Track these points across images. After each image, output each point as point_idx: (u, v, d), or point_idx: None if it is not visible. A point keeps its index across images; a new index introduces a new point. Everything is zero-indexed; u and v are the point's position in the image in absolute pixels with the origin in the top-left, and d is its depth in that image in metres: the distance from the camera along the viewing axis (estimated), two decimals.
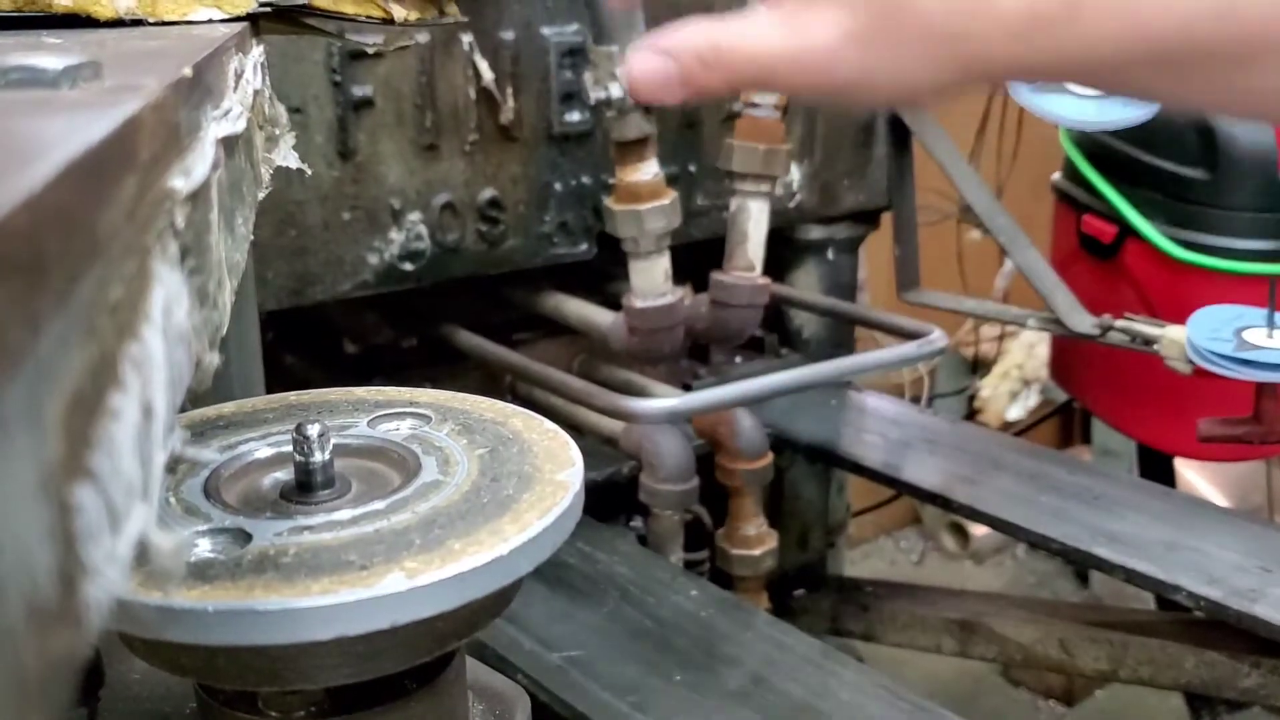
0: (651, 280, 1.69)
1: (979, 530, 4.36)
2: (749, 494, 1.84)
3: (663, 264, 1.69)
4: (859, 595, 2.17)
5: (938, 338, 1.75)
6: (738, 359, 2.20)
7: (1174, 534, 1.70)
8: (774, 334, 2.28)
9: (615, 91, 1.60)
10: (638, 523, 1.94)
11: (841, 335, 2.35)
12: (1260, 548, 1.67)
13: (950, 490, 1.85)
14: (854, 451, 1.98)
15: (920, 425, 2.10)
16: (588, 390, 1.61)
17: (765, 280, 1.82)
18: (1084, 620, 1.97)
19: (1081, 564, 1.76)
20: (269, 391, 1.01)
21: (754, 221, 1.79)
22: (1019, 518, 1.76)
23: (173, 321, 0.42)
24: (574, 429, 1.91)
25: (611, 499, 1.98)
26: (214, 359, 0.48)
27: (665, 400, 1.63)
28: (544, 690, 1.33)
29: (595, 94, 1.61)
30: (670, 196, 1.67)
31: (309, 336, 1.97)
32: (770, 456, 1.84)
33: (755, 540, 1.86)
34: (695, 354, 2.16)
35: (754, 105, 1.77)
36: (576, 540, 1.63)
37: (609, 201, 1.69)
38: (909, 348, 1.73)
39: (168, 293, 0.42)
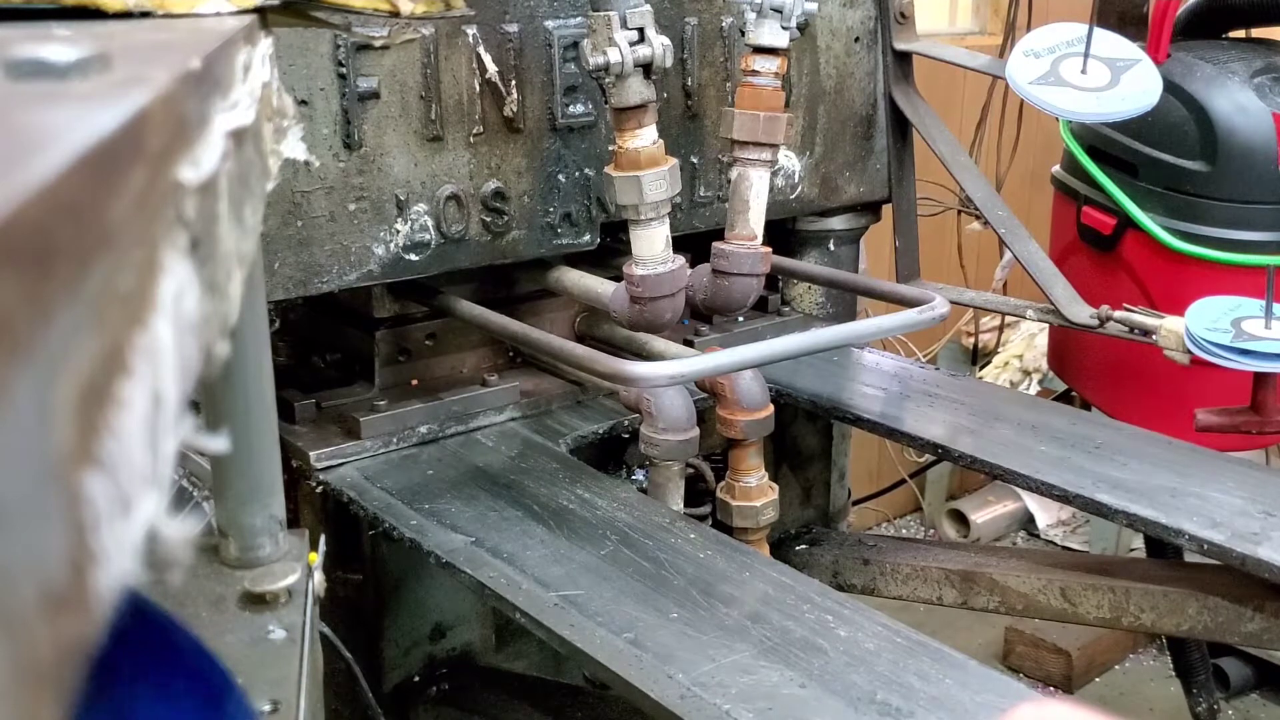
0: (652, 247, 1.69)
1: (979, 517, 4.38)
2: (750, 445, 1.84)
3: (663, 232, 1.70)
4: (860, 548, 2.16)
5: (939, 304, 1.74)
6: (740, 318, 2.21)
7: (1176, 480, 1.69)
8: (776, 293, 2.29)
9: (614, 57, 1.60)
10: (639, 476, 1.95)
11: (844, 310, 2.36)
12: (1263, 493, 1.65)
13: (951, 441, 1.85)
14: (855, 405, 1.98)
15: (920, 379, 2.10)
16: (590, 356, 1.61)
17: (767, 249, 1.82)
18: (1085, 568, 1.97)
19: (1083, 510, 1.74)
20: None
21: (755, 191, 1.79)
22: (1020, 466, 1.75)
23: (182, 311, 0.43)
24: (575, 383, 1.93)
25: (614, 451, 1.99)
26: (224, 348, 0.48)
27: (667, 365, 1.62)
28: (541, 627, 1.34)
29: (594, 59, 1.61)
30: (671, 163, 1.67)
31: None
32: (771, 408, 1.83)
33: (756, 492, 1.84)
34: (698, 311, 2.17)
35: (754, 74, 1.78)
36: (577, 487, 1.64)
37: (609, 169, 1.69)
38: (911, 314, 1.72)
39: (177, 283, 0.43)
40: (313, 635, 1.08)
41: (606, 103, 1.67)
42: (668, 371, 1.59)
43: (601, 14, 1.61)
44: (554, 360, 1.85)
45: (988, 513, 4.40)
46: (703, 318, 2.15)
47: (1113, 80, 1.83)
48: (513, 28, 1.77)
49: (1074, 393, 2.81)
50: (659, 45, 1.63)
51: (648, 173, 1.65)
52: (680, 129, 1.99)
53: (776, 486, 1.88)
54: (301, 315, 1.92)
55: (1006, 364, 4.19)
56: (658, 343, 1.90)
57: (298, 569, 1.12)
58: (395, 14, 0.83)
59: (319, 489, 1.70)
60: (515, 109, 1.79)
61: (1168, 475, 1.71)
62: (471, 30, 1.73)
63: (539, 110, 1.83)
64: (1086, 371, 2.45)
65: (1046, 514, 4.41)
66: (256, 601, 1.09)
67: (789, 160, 2.14)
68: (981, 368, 4.17)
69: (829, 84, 2.17)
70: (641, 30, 1.62)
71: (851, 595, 2.00)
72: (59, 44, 0.45)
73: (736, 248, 1.79)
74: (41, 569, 0.30)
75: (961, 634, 3.57)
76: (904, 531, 4.61)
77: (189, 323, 0.44)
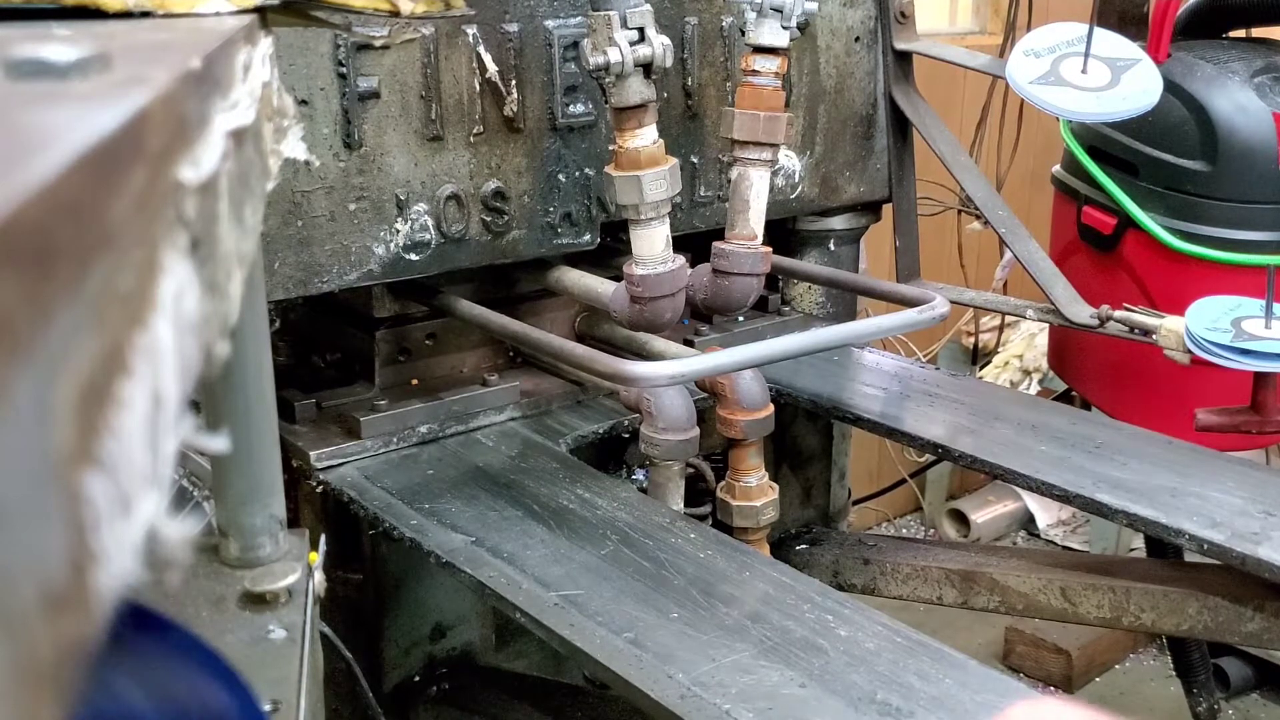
0: (652, 247, 1.69)
1: (979, 517, 4.38)
2: (750, 445, 1.83)
3: (663, 231, 1.70)
4: (861, 548, 2.16)
5: (940, 303, 1.74)
6: (740, 318, 2.20)
7: (1177, 480, 1.69)
8: (776, 293, 2.29)
9: (614, 56, 1.60)
10: (639, 476, 1.95)
11: (844, 310, 2.36)
12: (1263, 493, 1.65)
13: (951, 441, 1.85)
14: (855, 405, 1.98)
15: (921, 379, 2.10)
16: (590, 356, 1.61)
17: (767, 249, 1.82)
18: (1085, 568, 1.96)
19: (1083, 509, 1.74)
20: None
21: (755, 191, 1.79)
22: (1020, 465, 1.75)
23: (182, 311, 0.42)
24: (575, 383, 1.93)
25: (614, 451, 1.99)
26: (224, 348, 0.48)
27: (667, 365, 1.62)
28: (541, 627, 1.34)
29: (594, 59, 1.61)
30: (671, 163, 1.67)
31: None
32: (771, 408, 1.82)
33: (756, 492, 1.84)
34: (698, 311, 2.16)
35: (754, 73, 1.78)
36: (577, 487, 1.64)
37: (609, 169, 1.69)
38: (911, 313, 1.71)
39: (177, 283, 0.43)
40: (313, 635, 1.08)
41: (606, 102, 1.67)
42: (668, 371, 1.59)
43: (601, 14, 1.61)
44: (554, 360, 1.85)
45: (988, 513, 4.40)
46: (703, 318, 2.15)
47: (1113, 80, 1.83)
48: (513, 27, 1.77)
49: (1074, 393, 2.81)
50: (659, 45, 1.63)
51: (648, 172, 1.65)
52: (680, 129, 1.99)
53: (776, 486, 1.88)
54: (301, 315, 1.92)
55: (1006, 364, 4.19)
56: (658, 343, 1.90)
57: (298, 569, 1.12)
58: (395, 14, 0.83)
59: (319, 489, 1.70)
60: (515, 109, 1.79)
61: (1168, 475, 1.70)
62: (471, 30, 1.73)
63: (539, 110, 1.82)
64: (1086, 371, 2.45)
65: (1046, 514, 4.41)
66: (256, 601, 1.08)
67: (789, 160, 2.14)
68: (981, 368, 4.17)
69: (829, 84, 2.17)
70: (641, 30, 1.62)
71: (851, 595, 2.00)
72: (59, 44, 0.45)
73: (736, 247, 1.79)
74: (41, 569, 0.30)
75: (961, 634, 3.57)
76: (904, 531, 4.61)
77: (189, 323, 0.44)
